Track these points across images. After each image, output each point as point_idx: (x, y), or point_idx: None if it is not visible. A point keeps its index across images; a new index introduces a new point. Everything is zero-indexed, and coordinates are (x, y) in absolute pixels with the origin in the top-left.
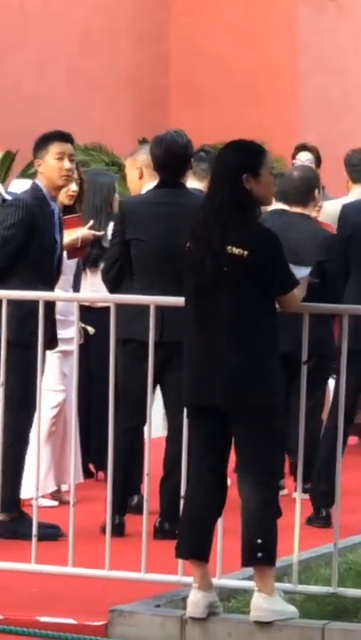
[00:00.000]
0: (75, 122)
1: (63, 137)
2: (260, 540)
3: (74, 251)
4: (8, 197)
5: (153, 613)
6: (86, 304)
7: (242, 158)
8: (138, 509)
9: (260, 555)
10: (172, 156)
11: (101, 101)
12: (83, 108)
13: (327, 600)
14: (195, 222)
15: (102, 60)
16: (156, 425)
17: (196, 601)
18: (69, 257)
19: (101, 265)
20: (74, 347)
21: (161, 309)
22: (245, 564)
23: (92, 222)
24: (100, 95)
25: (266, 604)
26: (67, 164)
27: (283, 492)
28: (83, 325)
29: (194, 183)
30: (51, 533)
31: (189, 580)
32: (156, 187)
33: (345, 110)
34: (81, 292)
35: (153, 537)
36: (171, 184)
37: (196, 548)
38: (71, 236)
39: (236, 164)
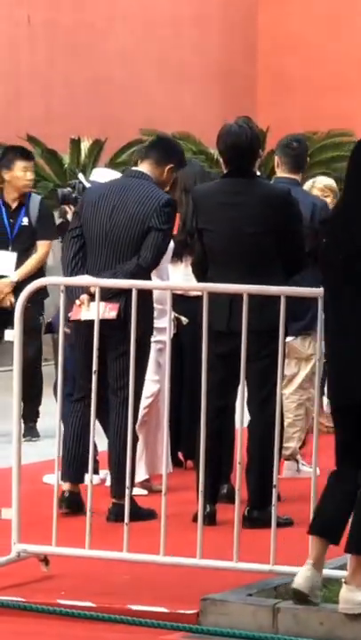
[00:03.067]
0: (163, 109)
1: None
2: None
3: None
4: (88, 185)
5: (245, 602)
6: (180, 293)
7: None
8: (228, 498)
9: None
10: (237, 150)
11: (190, 90)
12: (171, 96)
13: None
14: (331, 218)
15: (191, 49)
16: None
17: (303, 574)
18: None
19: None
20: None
21: (230, 298)
22: (350, 550)
23: None
24: (189, 84)
25: (354, 596)
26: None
27: None
28: (176, 315)
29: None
30: (147, 513)
31: (281, 569)
32: (223, 176)
33: None
34: (175, 280)
35: (242, 525)
36: (238, 173)
37: (327, 529)
38: None
39: None
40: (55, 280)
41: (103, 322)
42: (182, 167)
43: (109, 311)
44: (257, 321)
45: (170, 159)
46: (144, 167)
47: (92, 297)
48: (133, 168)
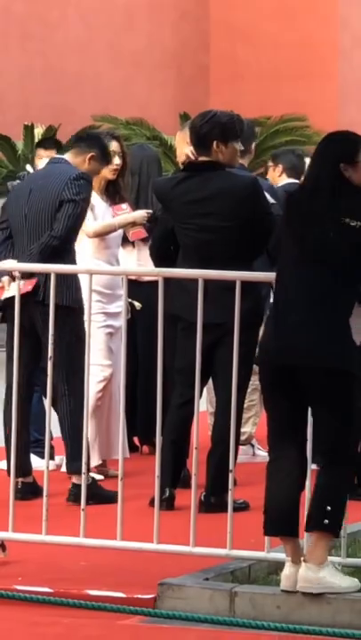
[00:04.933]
0: (117, 97)
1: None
2: (329, 508)
3: (136, 232)
4: None
5: (202, 586)
6: (133, 278)
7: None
8: (184, 483)
9: (326, 522)
10: (191, 136)
11: (143, 77)
12: (125, 83)
13: None
14: (293, 198)
15: (144, 36)
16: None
17: (288, 575)
18: (132, 238)
19: (150, 241)
20: (120, 322)
21: (206, 290)
22: (310, 528)
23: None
24: (142, 71)
25: (313, 574)
26: None
27: None
28: (130, 300)
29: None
30: (109, 495)
31: (238, 553)
32: (183, 169)
33: None
34: (128, 265)
35: (199, 510)
36: (196, 166)
37: (285, 524)
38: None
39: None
40: (9, 265)
41: (31, 302)
42: (106, 159)
43: (26, 286)
44: (231, 312)
45: (90, 149)
46: (66, 156)
47: (13, 278)
48: (55, 156)
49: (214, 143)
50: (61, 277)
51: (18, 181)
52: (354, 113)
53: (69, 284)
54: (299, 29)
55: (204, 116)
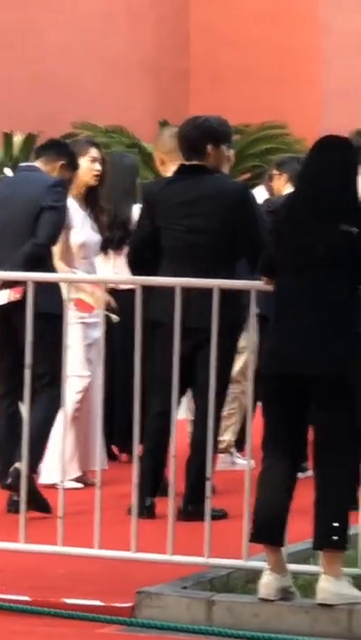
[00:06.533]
0: (97, 104)
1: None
2: (336, 524)
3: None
4: None
5: (180, 595)
6: (110, 286)
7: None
8: (162, 491)
9: (335, 538)
10: (179, 141)
11: (122, 83)
12: (103, 89)
13: None
14: (287, 207)
15: (124, 41)
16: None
17: (267, 583)
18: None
19: (126, 248)
20: (98, 332)
21: (188, 295)
22: (318, 546)
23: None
24: (121, 77)
25: (333, 587)
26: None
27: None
28: (106, 313)
29: None
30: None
31: (216, 561)
32: (175, 172)
33: None
34: (104, 274)
35: (177, 518)
36: (187, 169)
37: (270, 533)
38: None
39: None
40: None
41: (16, 310)
42: (74, 166)
43: (14, 294)
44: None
45: (60, 157)
46: (36, 164)
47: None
48: (24, 164)
49: (207, 147)
50: (47, 285)
51: None
52: (336, 120)
53: (54, 292)
54: (280, 34)
55: (193, 120)
